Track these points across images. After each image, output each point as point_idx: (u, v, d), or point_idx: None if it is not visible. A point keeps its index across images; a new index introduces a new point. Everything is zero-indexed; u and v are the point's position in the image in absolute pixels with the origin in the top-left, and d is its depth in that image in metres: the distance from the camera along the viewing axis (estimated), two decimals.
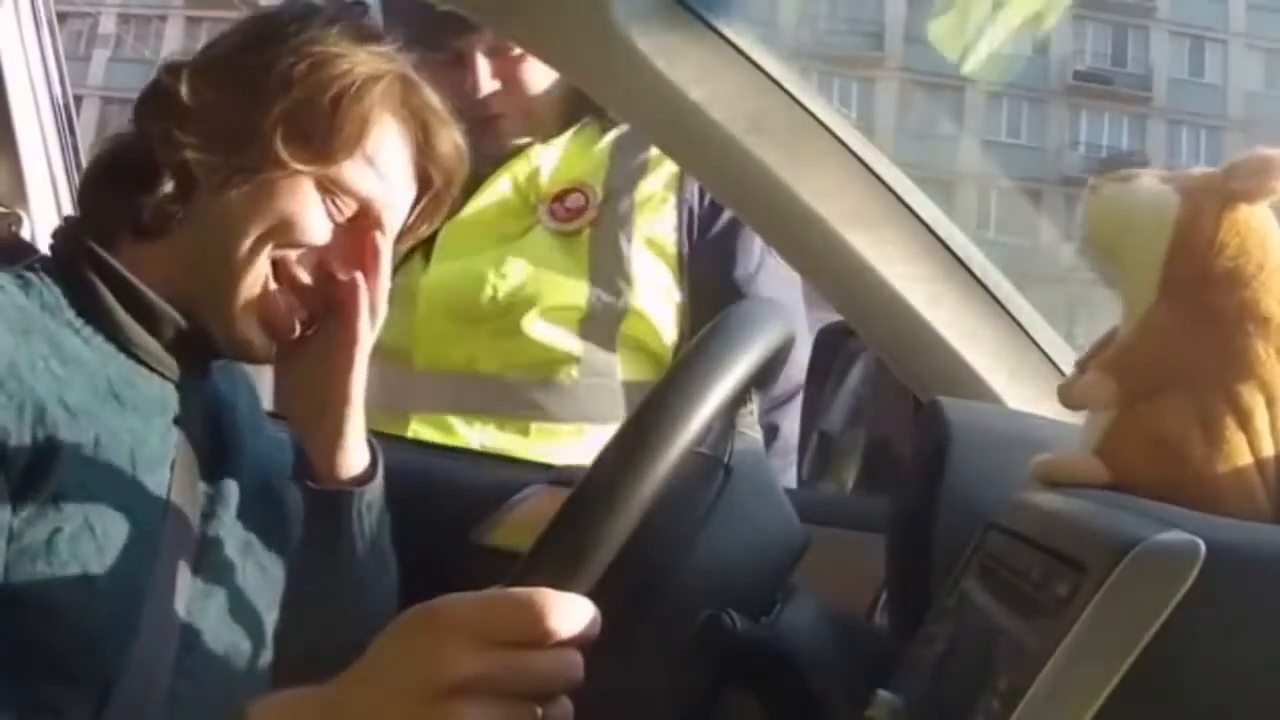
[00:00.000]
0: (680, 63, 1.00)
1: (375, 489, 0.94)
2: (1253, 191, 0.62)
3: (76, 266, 0.89)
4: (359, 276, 0.90)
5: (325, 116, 0.89)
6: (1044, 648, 0.48)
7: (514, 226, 1.40)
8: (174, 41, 22.75)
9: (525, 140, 1.42)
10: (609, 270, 1.36)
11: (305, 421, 0.93)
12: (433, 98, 0.95)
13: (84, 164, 1.57)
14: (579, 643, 0.61)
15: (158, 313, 0.89)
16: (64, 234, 0.93)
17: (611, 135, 1.42)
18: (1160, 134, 23.92)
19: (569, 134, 1.43)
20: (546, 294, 1.35)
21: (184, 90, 0.89)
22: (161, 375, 0.89)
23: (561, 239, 1.38)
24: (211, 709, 0.82)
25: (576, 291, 1.36)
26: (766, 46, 1.01)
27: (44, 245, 0.95)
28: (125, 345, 0.88)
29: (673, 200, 1.40)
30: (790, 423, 1.36)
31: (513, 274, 1.35)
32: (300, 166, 0.88)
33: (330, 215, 0.90)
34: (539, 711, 0.61)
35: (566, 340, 1.35)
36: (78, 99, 1.68)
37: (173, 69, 0.91)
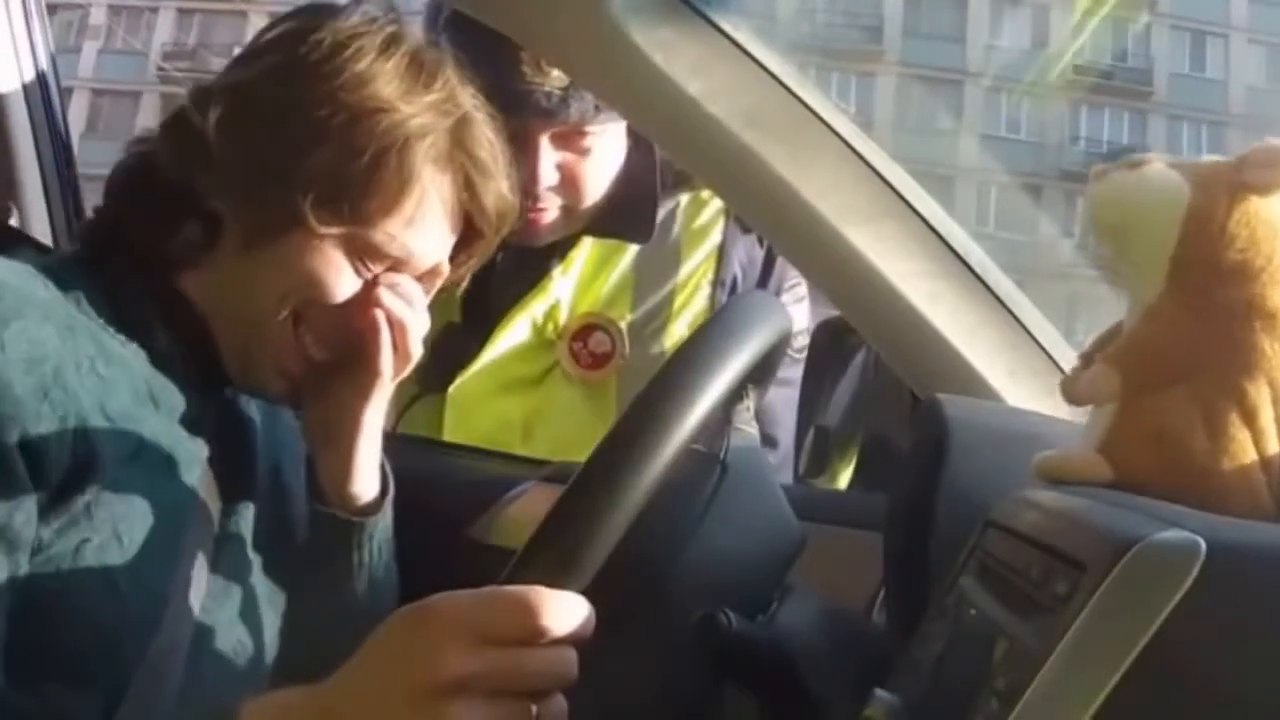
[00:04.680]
0: (677, 57, 1.00)
1: (381, 522, 0.93)
2: (1264, 183, 0.61)
3: (117, 273, 0.86)
4: (380, 316, 0.86)
5: (360, 179, 0.83)
6: (1043, 647, 0.47)
7: (532, 368, 1.30)
8: (165, 33, 22.75)
9: (544, 264, 1.31)
10: None
11: (318, 445, 0.92)
12: (482, 146, 0.88)
13: (74, 157, 1.57)
14: (574, 640, 0.61)
15: (188, 332, 0.87)
16: (101, 235, 0.89)
17: (632, 252, 1.32)
18: (1161, 129, 23.92)
19: (586, 248, 1.32)
20: (577, 460, 1.30)
21: (210, 132, 0.83)
22: (192, 387, 0.87)
23: (586, 386, 1.29)
24: (213, 707, 0.82)
25: None
26: (764, 40, 1.01)
27: (34, 236, 0.93)
28: (155, 354, 0.85)
29: None
30: (786, 432, 1.33)
31: (541, 440, 1.28)
32: (329, 231, 0.83)
33: (358, 273, 0.86)
34: (534, 709, 0.60)
35: None
36: (68, 91, 1.68)
37: (200, 99, 0.85)
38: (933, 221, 1.04)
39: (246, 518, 0.90)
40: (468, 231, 0.91)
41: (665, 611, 0.77)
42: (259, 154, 0.84)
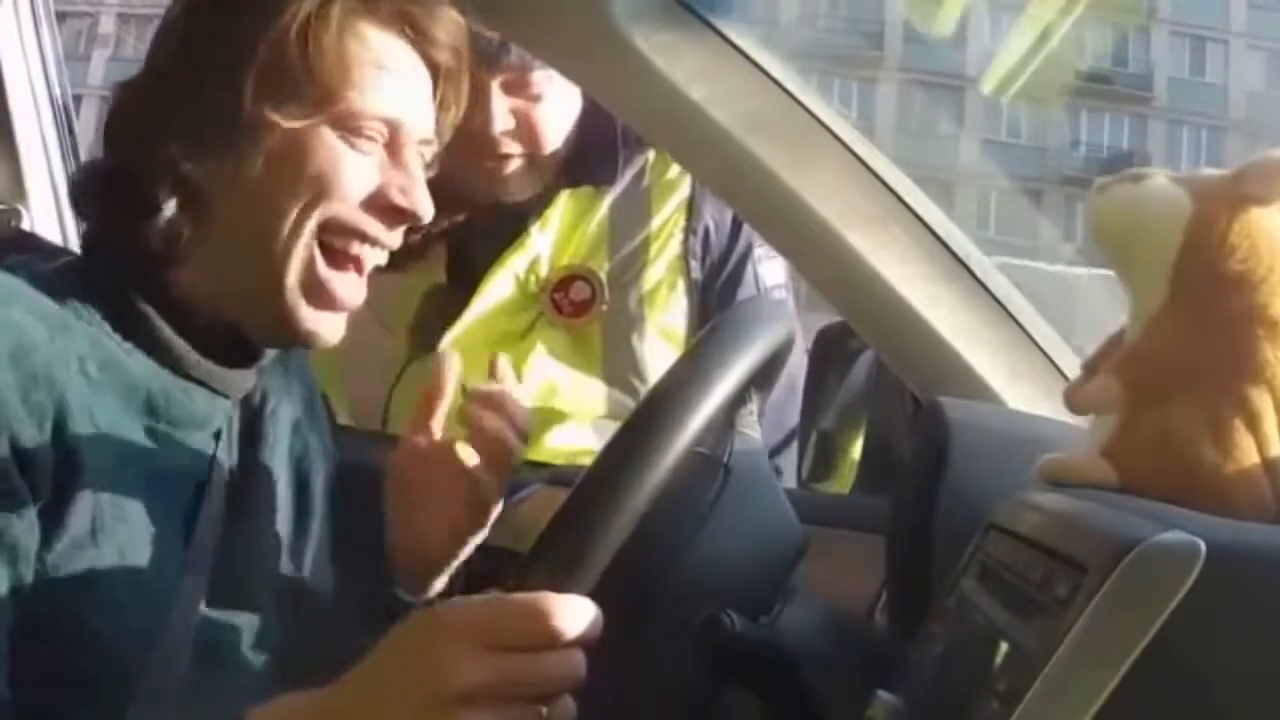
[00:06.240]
0: (680, 62, 1.00)
1: None
2: (1264, 194, 0.61)
3: (117, 287, 0.83)
4: (501, 426, 0.94)
5: (300, 61, 0.81)
6: (1044, 649, 0.48)
7: (518, 322, 1.35)
8: None
9: (522, 221, 1.35)
10: (624, 369, 1.35)
11: (412, 547, 0.95)
12: None
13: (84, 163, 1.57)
14: (581, 643, 0.61)
15: (206, 332, 0.84)
16: (98, 248, 0.88)
17: (606, 205, 1.37)
18: (1161, 134, 23.89)
19: (562, 204, 1.37)
20: (566, 406, 1.33)
21: (146, 104, 0.84)
22: (211, 390, 0.85)
23: (570, 332, 1.35)
24: (219, 713, 0.82)
25: (595, 396, 1.34)
26: (766, 46, 1.01)
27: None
28: (172, 364, 0.83)
29: (681, 285, 1.36)
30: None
31: (530, 387, 1.31)
32: (302, 122, 0.82)
33: (362, 152, 0.83)
34: (543, 711, 0.61)
35: (586, 438, 1.33)
36: (77, 98, 1.68)
37: (126, 87, 0.86)
38: (934, 225, 1.04)
39: (258, 525, 0.89)
40: (433, 72, 0.89)
41: (669, 613, 0.77)
42: (199, 92, 0.82)
